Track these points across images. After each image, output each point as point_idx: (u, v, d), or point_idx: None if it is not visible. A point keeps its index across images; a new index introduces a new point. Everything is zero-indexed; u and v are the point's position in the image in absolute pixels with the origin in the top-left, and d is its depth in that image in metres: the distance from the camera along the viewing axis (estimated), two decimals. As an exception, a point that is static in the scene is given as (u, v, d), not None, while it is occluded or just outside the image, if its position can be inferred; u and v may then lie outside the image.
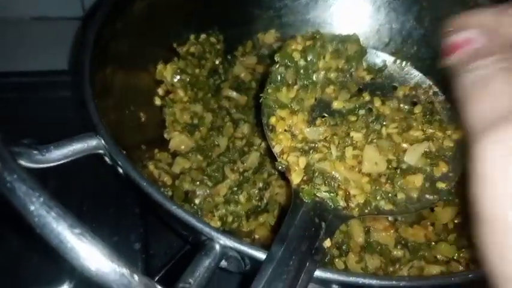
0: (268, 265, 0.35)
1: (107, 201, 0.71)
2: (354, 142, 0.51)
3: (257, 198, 0.60)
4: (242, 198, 0.60)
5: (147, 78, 0.73)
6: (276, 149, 0.51)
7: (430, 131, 0.53)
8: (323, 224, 0.42)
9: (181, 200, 0.60)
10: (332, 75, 0.56)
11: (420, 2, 0.81)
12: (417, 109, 0.55)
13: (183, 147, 0.66)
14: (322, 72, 0.55)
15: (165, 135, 0.67)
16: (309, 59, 0.54)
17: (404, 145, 0.51)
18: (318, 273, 0.37)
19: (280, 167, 0.50)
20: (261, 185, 0.61)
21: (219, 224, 0.59)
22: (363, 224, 0.56)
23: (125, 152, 0.51)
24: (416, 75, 0.59)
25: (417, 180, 0.50)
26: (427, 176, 0.50)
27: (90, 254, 0.32)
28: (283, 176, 0.50)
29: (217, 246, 0.38)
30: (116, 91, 0.63)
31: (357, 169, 0.49)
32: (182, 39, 0.78)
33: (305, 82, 0.54)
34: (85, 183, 0.73)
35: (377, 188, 0.48)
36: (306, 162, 0.49)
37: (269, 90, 0.54)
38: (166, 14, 0.76)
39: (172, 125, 0.68)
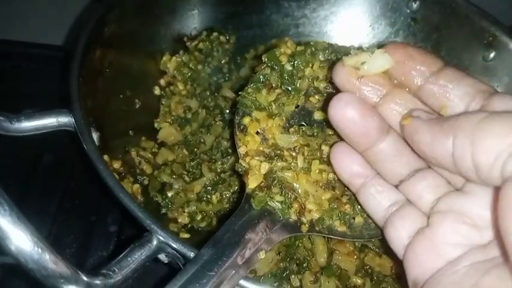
0: (192, 266, 0.35)
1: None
2: (324, 156, 0.48)
3: (230, 200, 0.60)
4: (214, 198, 0.60)
5: (152, 66, 0.74)
6: (241, 150, 0.48)
7: None
8: (263, 235, 0.41)
9: (155, 191, 0.61)
10: (321, 85, 0.53)
11: (440, 30, 0.79)
12: None
13: (171, 138, 0.67)
14: (308, 80, 0.52)
15: (156, 125, 0.68)
16: (296, 65, 0.51)
17: None
18: (242, 282, 0.36)
19: (239, 169, 0.47)
20: (235, 188, 0.60)
21: (187, 220, 0.59)
22: (327, 244, 0.55)
23: (98, 134, 0.52)
24: None
25: None
26: None
27: (14, 233, 0.32)
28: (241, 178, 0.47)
29: (155, 240, 0.38)
30: (113, 74, 0.64)
31: (320, 184, 0.47)
32: (194, 34, 0.79)
33: (288, 87, 0.51)
34: (77, 160, 0.74)
35: (336, 206, 0.46)
36: (268, 169, 0.47)
37: (249, 90, 0.51)
38: (182, 5, 0.77)
39: (164, 115, 0.69)
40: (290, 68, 0.51)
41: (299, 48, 0.53)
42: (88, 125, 0.48)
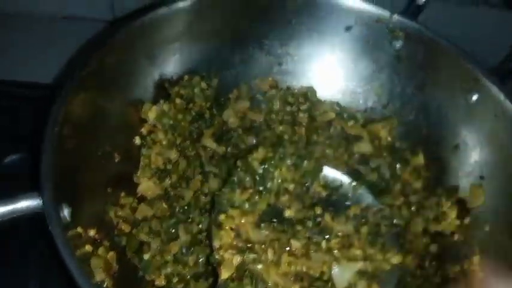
0: None
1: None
2: (293, 250, 0.54)
3: (205, 264, 0.60)
4: (191, 260, 0.60)
5: (133, 115, 0.74)
6: (215, 244, 0.54)
7: (371, 251, 0.57)
8: None
9: (133, 251, 0.61)
10: (290, 186, 0.62)
11: (424, 69, 0.79)
12: (363, 229, 0.60)
13: (149, 193, 0.67)
14: (278, 182, 0.61)
15: (135, 179, 0.68)
16: (266, 168, 0.61)
17: (342, 260, 0.56)
18: None
19: (213, 261, 0.53)
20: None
21: (164, 283, 0.60)
22: None
23: (70, 209, 0.52)
24: (368, 197, 0.65)
25: None
26: None
27: None
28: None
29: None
30: (91, 132, 0.64)
31: (289, 276, 0.52)
32: (176, 78, 0.78)
33: (260, 188, 0.60)
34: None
35: None
36: (240, 261, 0.53)
37: (225, 191, 0.60)
38: (163, 52, 0.76)
39: (144, 169, 0.69)
40: (261, 171, 0.61)
41: (269, 154, 0.62)
42: (58, 209, 0.48)
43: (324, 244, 0.56)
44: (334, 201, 0.63)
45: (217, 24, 0.79)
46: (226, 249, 0.53)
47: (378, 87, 0.84)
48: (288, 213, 0.59)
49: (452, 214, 0.70)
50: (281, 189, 0.61)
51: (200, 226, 0.63)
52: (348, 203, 0.63)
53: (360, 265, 0.55)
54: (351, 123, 0.79)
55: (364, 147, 0.77)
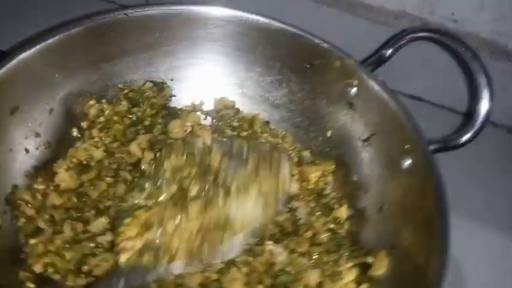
0: None
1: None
2: (191, 215, 0.62)
3: (80, 262, 0.63)
4: (68, 256, 0.64)
5: (78, 107, 0.78)
6: (117, 240, 0.61)
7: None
8: None
9: (26, 234, 0.66)
10: (192, 171, 0.67)
11: (375, 122, 0.76)
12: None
13: (64, 184, 0.71)
14: (169, 172, 0.68)
15: (54, 168, 0.72)
16: (156, 165, 0.69)
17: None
18: None
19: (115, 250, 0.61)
20: (87, 252, 0.64)
21: (40, 270, 0.63)
22: None
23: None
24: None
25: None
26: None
27: None
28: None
29: None
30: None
31: (191, 237, 0.61)
32: (130, 82, 0.82)
33: (158, 183, 0.67)
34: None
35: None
36: (141, 245, 0.59)
37: (129, 199, 0.66)
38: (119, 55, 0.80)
39: (66, 159, 0.73)
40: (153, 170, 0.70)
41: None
42: None
43: (221, 195, 0.64)
44: (234, 163, 0.69)
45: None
46: (128, 240, 0.60)
47: (329, 129, 0.82)
48: (190, 194, 0.65)
49: (350, 276, 0.68)
50: (178, 176, 0.67)
51: (88, 228, 0.66)
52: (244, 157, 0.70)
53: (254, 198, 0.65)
54: (283, 159, 0.78)
55: (290, 186, 0.76)
